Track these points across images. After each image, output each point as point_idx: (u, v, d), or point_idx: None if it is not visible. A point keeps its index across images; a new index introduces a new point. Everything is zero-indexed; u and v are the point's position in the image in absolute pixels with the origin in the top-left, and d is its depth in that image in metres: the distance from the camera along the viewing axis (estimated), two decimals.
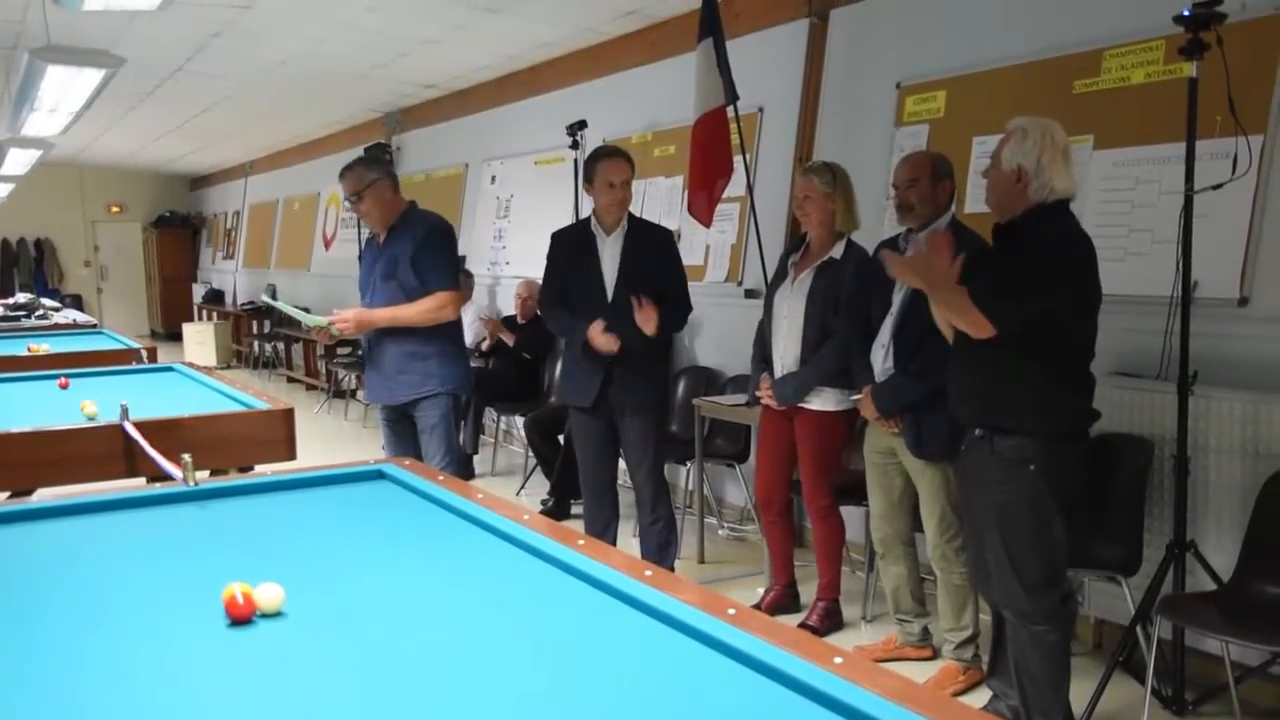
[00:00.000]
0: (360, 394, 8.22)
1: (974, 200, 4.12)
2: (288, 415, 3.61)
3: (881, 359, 3.52)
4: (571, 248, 4.19)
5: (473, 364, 6.99)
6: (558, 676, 1.50)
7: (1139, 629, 3.18)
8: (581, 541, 2.02)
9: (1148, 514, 3.36)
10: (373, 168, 4.08)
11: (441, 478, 2.61)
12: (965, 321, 2.81)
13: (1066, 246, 2.81)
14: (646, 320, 3.93)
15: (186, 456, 2.55)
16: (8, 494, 3.17)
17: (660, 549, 4.19)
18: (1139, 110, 3.71)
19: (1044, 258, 2.78)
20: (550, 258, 4.26)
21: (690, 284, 4.27)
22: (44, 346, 6.03)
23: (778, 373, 3.94)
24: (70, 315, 9.55)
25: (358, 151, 8.40)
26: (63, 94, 5.80)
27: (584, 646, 1.61)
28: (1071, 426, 2.88)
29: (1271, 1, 3.35)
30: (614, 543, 4.30)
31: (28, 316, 9.17)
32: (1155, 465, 3.37)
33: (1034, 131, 2.83)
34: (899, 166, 3.57)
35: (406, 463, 2.80)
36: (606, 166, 4.04)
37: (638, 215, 4.26)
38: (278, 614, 1.70)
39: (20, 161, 10.01)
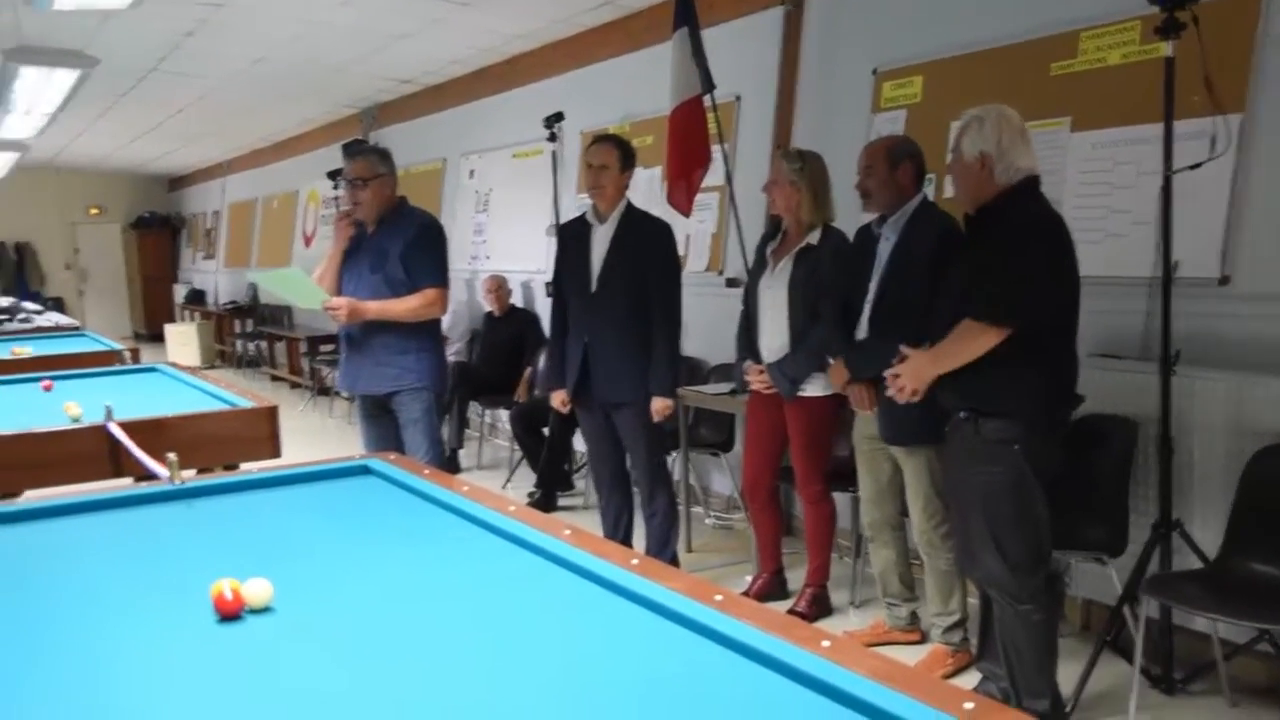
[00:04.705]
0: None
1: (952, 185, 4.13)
2: (271, 413, 3.60)
3: None
4: (569, 238, 4.21)
5: (457, 358, 7.00)
6: (546, 665, 1.50)
7: (1126, 609, 3.20)
8: (568, 531, 2.02)
9: (1133, 494, 3.37)
10: (385, 161, 4.07)
11: (427, 471, 2.61)
12: (977, 348, 2.80)
13: (1039, 229, 2.84)
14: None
15: (172, 455, 2.54)
16: None
17: (659, 544, 4.18)
18: (1116, 91, 3.72)
19: (1021, 244, 2.80)
20: (556, 251, 4.30)
21: None
22: (26, 350, 5.98)
23: (765, 362, 3.94)
24: (52, 318, 9.47)
25: (335, 149, 8.35)
26: (37, 95, 5.78)
27: (572, 635, 1.61)
28: (1054, 407, 2.90)
29: None
30: (628, 533, 4.30)
31: (9, 320, 9.09)
32: (1139, 445, 3.38)
33: (989, 117, 2.88)
34: (860, 154, 3.57)
35: (392, 457, 2.80)
36: (588, 148, 4.12)
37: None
38: (266, 609, 1.69)
39: None
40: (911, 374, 2.97)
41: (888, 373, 3.05)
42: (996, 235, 2.85)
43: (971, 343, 2.81)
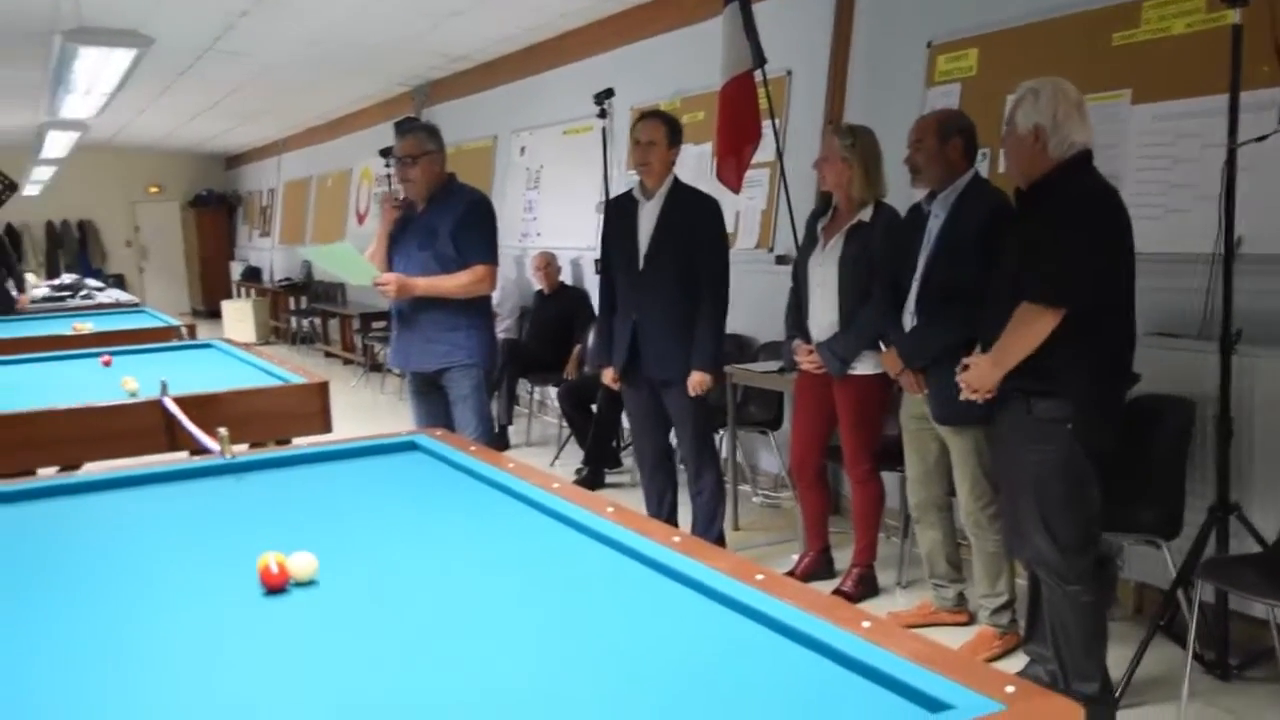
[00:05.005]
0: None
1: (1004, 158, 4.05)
2: (322, 389, 3.65)
3: (909, 325, 3.48)
4: (616, 215, 4.21)
5: (507, 335, 7.03)
6: (586, 642, 1.50)
7: (1180, 593, 3.14)
8: (610, 509, 2.02)
9: (1189, 476, 3.29)
10: (434, 138, 4.09)
11: (473, 448, 2.62)
12: (1037, 333, 2.73)
13: (1093, 203, 2.78)
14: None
15: (222, 430, 2.58)
16: (56, 469, 3.23)
17: (706, 522, 4.18)
18: (1180, 61, 3.62)
19: (1075, 219, 2.74)
20: (602, 227, 4.30)
21: None
22: (88, 325, 6.13)
23: (814, 341, 3.90)
24: (113, 295, 9.69)
25: (388, 127, 8.41)
26: (95, 75, 5.88)
27: (612, 613, 1.61)
28: (1108, 385, 2.84)
29: None
30: (673, 512, 4.30)
31: (72, 296, 9.33)
32: (1197, 426, 3.30)
33: (1045, 89, 2.82)
34: (910, 128, 3.51)
35: (438, 433, 2.82)
36: (634, 125, 4.11)
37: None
38: (311, 582, 1.72)
39: (60, 144, 10.15)
40: (977, 380, 2.91)
41: (960, 378, 2.99)
42: (1048, 210, 2.79)
43: (1030, 328, 2.75)
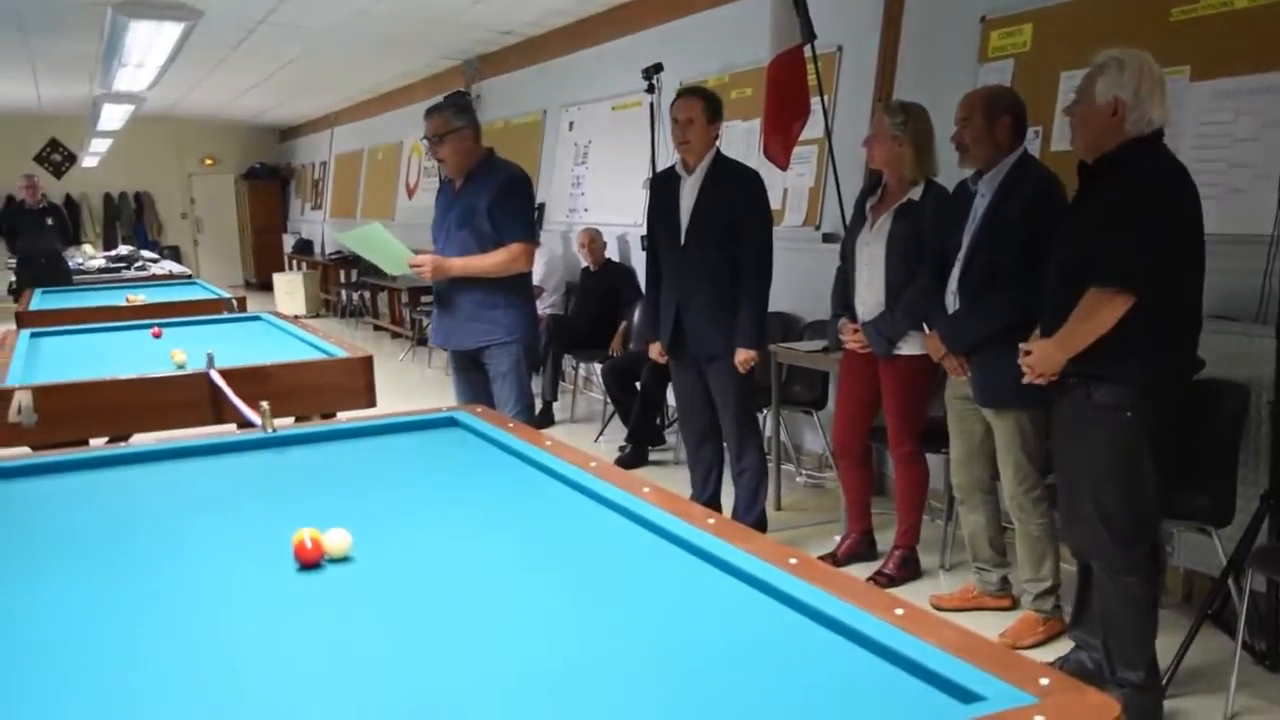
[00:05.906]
0: None
1: (1062, 137, 3.96)
2: (367, 363, 3.67)
3: (951, 306, 3.42)
4: (659, 191, 4.19)
5: (553, 311, 7.04)
6: (618, 623, 1.50)
7: (1230, 581, 3.07)
8: (646, 489, 2.02)
9: (1242, 463, 3.22)
10: (460, 115, 4.02)
11: (511, 425, 2.63)
12: (1106, 318, 2.65)
13: (1168, 183, 2.69)
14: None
15: (264, 403, 2.61)
16: (106, 439, 3.30)
17: (748, 502, 4.17)
18: (1242, 37, 3.51)
19: (1149, 200, 2.65)
20: (648, 204, 4.28)
21: None
22: (140, 297, 6.24)
23: (860, 320, 3.86)
24: (166, 266, 9.87)
25: (437, 101, 8.42)
26: (147, 48, 5.96)
27: (643, 593, 1.61)
28: (1173, 374, 2.76)
29: None
30: (717, 490, 4.30)
31: (127, 268, 9.51)
32: (1251, 412, 3.22)
33: (1131, 63, 2.71)
34: (958, 105, 3.43)
35: (478, 409, 2.83)
36: (672, 103, 4.07)
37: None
38: (345, 559, 1.73)
39: (115, 116, 10.31)
40: (1040, 364, 2.83)
41: (1022, 361, 2.90)
42: (1119, 188, 2.70)
43: (1100, 313, 2.66)
